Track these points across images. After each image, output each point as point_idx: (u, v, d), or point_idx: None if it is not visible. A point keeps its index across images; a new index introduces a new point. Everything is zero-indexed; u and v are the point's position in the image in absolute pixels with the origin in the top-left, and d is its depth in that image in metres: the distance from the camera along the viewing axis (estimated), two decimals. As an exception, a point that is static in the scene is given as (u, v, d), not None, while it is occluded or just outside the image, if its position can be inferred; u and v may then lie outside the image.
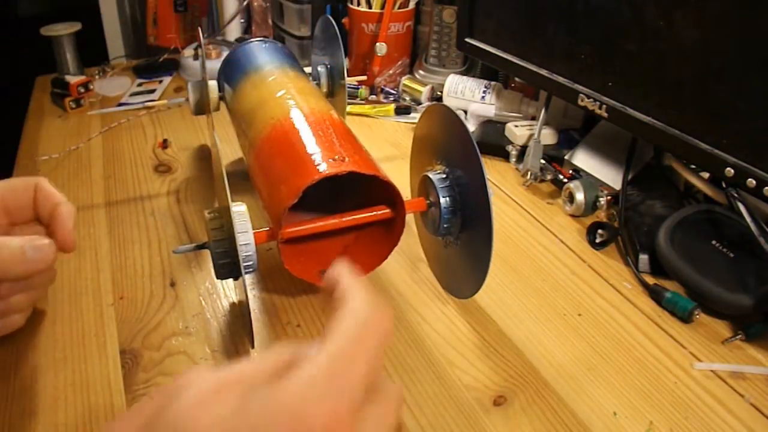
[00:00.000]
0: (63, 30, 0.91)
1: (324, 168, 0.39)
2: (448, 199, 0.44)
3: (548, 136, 0.72)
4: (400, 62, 0.93)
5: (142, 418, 0.23)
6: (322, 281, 0.42)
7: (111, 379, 0.43)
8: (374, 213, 0.42)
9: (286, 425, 0.21)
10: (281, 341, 0.33)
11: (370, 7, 0.90)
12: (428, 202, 0.46)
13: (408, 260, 0.55)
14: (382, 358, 0.26)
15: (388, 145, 0.78)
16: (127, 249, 0.56)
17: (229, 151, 0.73)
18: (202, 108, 0.64)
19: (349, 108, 0.84)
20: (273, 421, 0.22)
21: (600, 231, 0.58)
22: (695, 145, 0.51)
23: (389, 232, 0.43)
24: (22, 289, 0.43)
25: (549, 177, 0.66)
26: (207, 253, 0.43)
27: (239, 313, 0.49)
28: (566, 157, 0.68)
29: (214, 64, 0.75)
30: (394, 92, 0.90)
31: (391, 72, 0.92)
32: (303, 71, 0.60)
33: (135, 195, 0.65)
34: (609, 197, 0.61)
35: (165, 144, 0.76)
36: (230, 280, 0.52)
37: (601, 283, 0.53)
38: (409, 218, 0.44)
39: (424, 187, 0.47)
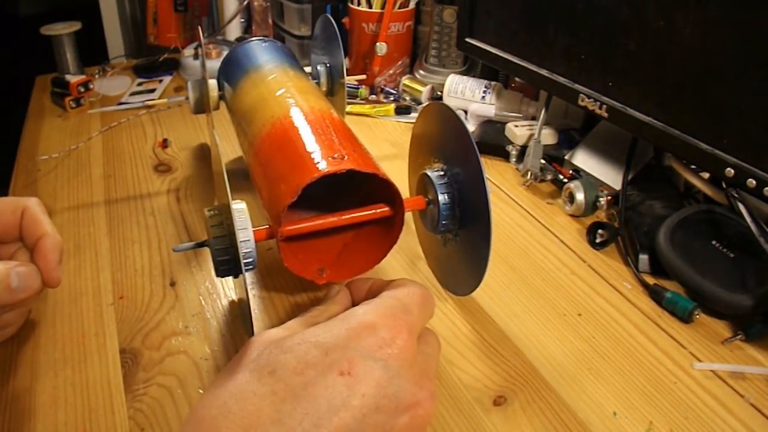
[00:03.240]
0: (63, 29, 0.91)
1: (323, 166, 0.39)
2: (446, 196, 0.44)
3: (548, 136, 0.72)
4: (400, 62, 0.93)
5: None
6: (321, 280, 0.43)
7: (111, 378, 0.43)
8: (373, 211, 0.42)
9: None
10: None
11: (371, 7, 0.90)
12: (427, 200, 0.46)
13: (407, 258, 0.55)
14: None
15: (388, 144, 0.78)
16: (127, 248, 0.56)
17: (228, 150, 0.73)
18: (201, 106, 0.64)
19: (349, 108, 0.84)
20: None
21: (600, 231, 0.58)
22: (695, 145, 0.51)
23: (388, 230, 0.43)
24: (11, 310, 0.42)
25: (549, 177, 0.66)
26: (207, 253, 0.43)
27: (239, 312, 0.49)
28: (566, 157, 0.68)
29: (214, 64, 0.75)
30: (395, 92, 0.90)
31: (391, 72, 0.92)
32: (303, 70, 0.60)
33: (135, 194, 0.65)
34: (609, 197, 0.61)
35: (165, 143, 0.76)
36: (230, 280, 0.52)
37: (601, 283, 0.53)
38: (408, 217, 0.44)
39: (423, 185, 0.47)
